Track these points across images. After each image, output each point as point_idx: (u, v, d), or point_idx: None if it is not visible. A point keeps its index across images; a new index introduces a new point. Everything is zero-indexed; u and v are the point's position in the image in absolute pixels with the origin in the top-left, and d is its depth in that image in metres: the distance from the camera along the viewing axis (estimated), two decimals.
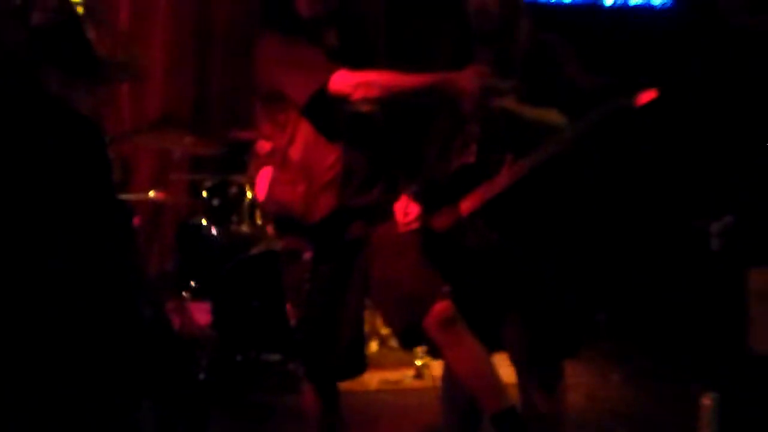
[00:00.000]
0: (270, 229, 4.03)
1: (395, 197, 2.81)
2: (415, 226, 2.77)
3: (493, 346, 2.73)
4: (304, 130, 2.74)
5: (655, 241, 4.28)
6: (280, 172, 2.75)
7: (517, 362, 2.78)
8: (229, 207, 4.24)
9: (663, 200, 4.27)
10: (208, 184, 4.32)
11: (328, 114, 2.68)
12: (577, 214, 2.89)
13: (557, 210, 2.78)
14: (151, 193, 4.32)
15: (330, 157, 2.72)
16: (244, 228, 4.25)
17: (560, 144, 2.66)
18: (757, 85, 3.70)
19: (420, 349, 3.84)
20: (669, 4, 4.18)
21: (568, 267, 2.80)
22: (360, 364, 2.86)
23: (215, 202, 4.27)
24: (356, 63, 2.76)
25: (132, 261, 1.66)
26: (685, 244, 3.61)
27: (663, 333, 4.39)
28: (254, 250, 4.02)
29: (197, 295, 4.20)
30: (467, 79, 2.60)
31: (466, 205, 2.76)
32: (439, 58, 2.86)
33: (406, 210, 2.77)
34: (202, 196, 4.31)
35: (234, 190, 4.25)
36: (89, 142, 1.58)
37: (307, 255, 2.72)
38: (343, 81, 2.64)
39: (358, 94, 2.62)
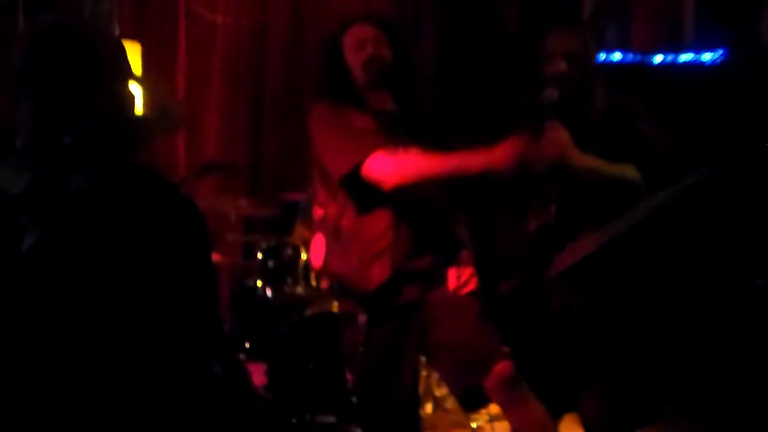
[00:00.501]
0: (325, 291, 4.06)
1: (451, 261, 2.82)
2: (469, 289, 2.77)
3: (561, 411, 2.70)
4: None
5: (717, 300, 4.19)
6: (334, 242, 2.78)
7: (592, 428, 2.73)
8: (284, 268, 4.28)
9: (723, 258, 4.19)
10: (263, 245, 4.37)
11: (367, 188, 2.69)
12: (662, 280, 2.87)
13: (644, 276, 2.75)
14: None
15: (380, 226, 2.74)
16: (299, 289, 4.27)
17: (649, 210, 2.63)
18: None
19: (482, 412, 3.79)
20: (720, 61, 4.16)
21: (655, 334, 2.77)
22: (415, 426, 2.86)
23: (270, 263, 4.31)
24: (413, 128, 2.81)
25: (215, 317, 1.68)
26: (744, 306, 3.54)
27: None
28: (309, 312, 4.04)
29: (252, 356, 4.22)
30: (505, 158, 2.59)
31: (552, 269, 2.74)
32: (513, 127, 2.85)
33: (459, 273, 2.78)
34: (257, 257, 4.36)
35: (289, 251, 4.29)
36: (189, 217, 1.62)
37: (362, 318, 2.73)
38: (378, 167, 2.66)
39: (390, 183, 2.64)
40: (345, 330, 2.82)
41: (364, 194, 2.70)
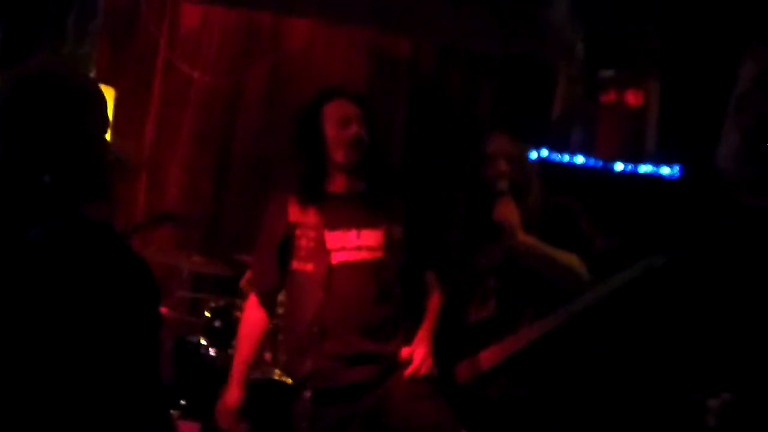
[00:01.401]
0: (269, 357, 4.04)
1: (403, 344, 2.85)
2: (423, 371, 2.80)
3: None
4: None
5: (649, 412, 4.25)
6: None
7: None
8: (230, 330, 4.25)
9: (661, 368, 4.26)
10: (212, 304, 4.35)
11: None
12: (599, 376, 2.92)
13: (582, 369, 2.81)
14: None
15: (305, 317, 2.81)
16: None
17: (587, 303, 2.70)
18: (764, 262, 3.77)
19: None
20: (677, 176, 4.30)
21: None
22: None
23: (217, 323, 4.28)
24: (380, 207, 2.87)
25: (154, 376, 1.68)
26: (679, 417, 3.60)
27: None
28: (251, 376, 4.00)
29: (187, 414, 4.16)
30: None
31: (487, 359, 2.78)
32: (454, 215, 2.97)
33: (413, 355, 2.80)
34: (204, 315, 4.33)
35: (237, 313, 4.27)
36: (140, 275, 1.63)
37: (307, 394, 2.73)
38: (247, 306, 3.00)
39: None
40: (293, 401, 2.83)
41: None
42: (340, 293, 2.76)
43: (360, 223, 2.85)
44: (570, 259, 2.77)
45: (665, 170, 4.33)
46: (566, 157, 4.54)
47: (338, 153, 2.86)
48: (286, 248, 2.94)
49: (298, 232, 2.90)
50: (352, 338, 2.78)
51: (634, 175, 4.39)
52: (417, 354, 2.82)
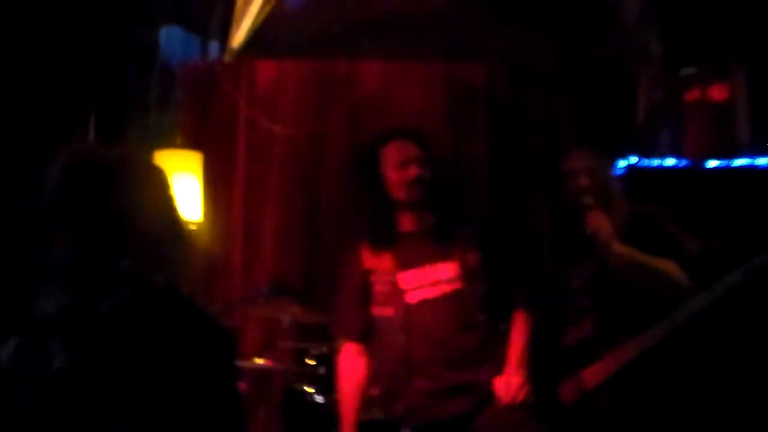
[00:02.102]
0: (374, 399, 4.01)
1: (495, 370, 2.79)
2: (521, 398, 2.73)
3: None
4: None
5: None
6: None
7: None
8: (334, 375, 4.25)
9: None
10: (315, 351, 4.36)
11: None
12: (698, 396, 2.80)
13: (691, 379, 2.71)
14: (259, 360, 4.40)
15: (391, 355, 2.80)
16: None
17: (693, 311, 2.61)
18: None
19: None
20: None
21: None
22: None
23: (321, 369, 4.30)
24: (452, 238, 2.86)
25: None
26: None
27: None
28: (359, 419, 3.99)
29: None
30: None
31: (592, 377, 2.70)
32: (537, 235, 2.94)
33: (508, 383, 2.74)
34: (308, 363, 4.34)
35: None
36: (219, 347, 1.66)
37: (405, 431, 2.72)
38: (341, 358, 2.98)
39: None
40: None
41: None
42: (424, 330, 2.77)
43: (433, 258, 2.86)
44: (667, 266, 2.68)
45: (762, 161, 4.15)
46: (656, 161, 4.41)
47: (400, 193, 2.89)
48: (365, 295, 2.98)
49: (373, 278, 2.96)
50: (441, 373, 2.77)
51: (729, 171, 4.23)
52: (512, 382, 2.76)
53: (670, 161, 4.38)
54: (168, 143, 5.08)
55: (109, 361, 1.55)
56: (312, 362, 4.34)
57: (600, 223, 2.71)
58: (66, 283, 1.64)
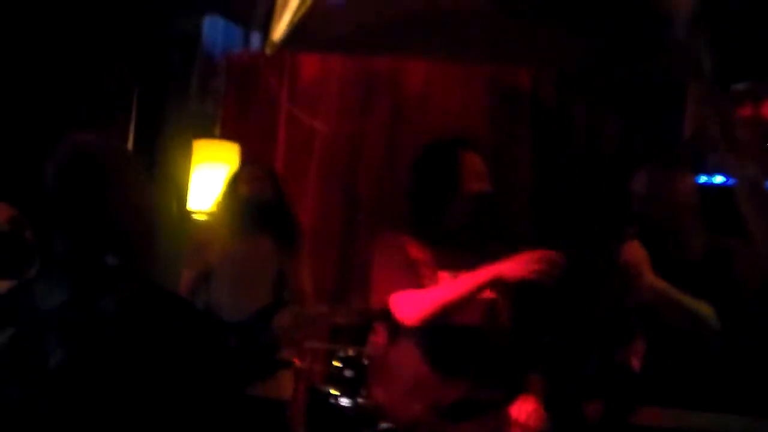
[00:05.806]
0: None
1: (510, 397, 2.75)
2: (532, 426, 2.68)
3: None
4: None
5: None
6: (377, 370, 2.82)
7: None
8: (361, 378, 4.21)
9: None
10: (341, 354, 4.32)
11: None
12: None
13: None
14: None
15: (413, 360, 2.74)
16: (375, 401, 4.18)
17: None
18: None
19: None
20: None
21: None
22: None
23: (348, 372, 4.25)
24: (487, 249, 2.80)
25: None
26: None
27: None
28: (382, 425, 3.95)
29: None
30: (516, 267, 2.59)
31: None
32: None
33: (520, 412, 2.70)
34: (334, 365, 4.30)
35: (368, 362, 4.22)
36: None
37: None
38: (399, 306, 2.72)
39: (410, 322, 2.69)
40: None
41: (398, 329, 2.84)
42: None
43: (469, 265, 2.79)
44: (701, 307, 2.60)
45: None
46: (704, 178, 4.29)
47: (466, 204, 2.87)
48: (416, 282, 2.90)
49: (421, 270, 2.88)
50: (462, 384, 2.71)
51: None
52: (524, 410, 2.72)
53: (718, 179, 4.26)
54: (207, 133, 5.07)
55: (107, 359, 1.55)
56: (338, 364, 4.29)
57: (632, 254, 2.63)
58: (64, 277, 1.64)
